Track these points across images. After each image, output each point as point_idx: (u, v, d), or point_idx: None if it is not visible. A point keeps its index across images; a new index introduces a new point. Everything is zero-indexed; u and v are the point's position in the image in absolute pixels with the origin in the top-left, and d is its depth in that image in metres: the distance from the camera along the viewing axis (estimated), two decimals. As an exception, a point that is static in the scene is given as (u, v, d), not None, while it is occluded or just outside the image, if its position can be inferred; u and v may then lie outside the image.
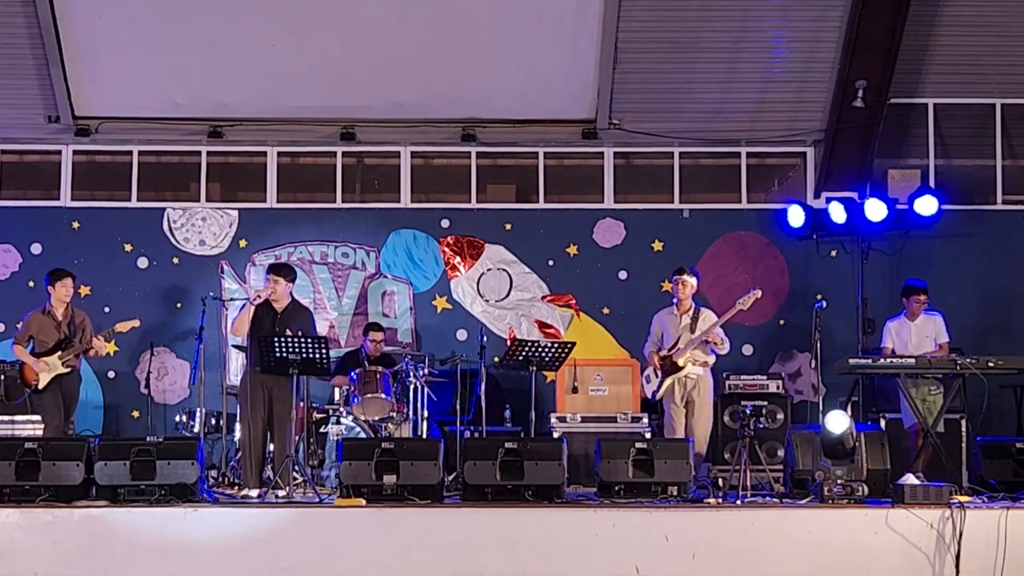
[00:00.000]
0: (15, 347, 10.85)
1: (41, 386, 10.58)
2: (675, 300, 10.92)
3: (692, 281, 10.82)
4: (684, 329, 10.65)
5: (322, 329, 12.83)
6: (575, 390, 11.46)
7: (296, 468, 9.87)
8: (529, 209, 13.33)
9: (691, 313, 10.74)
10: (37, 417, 10.29)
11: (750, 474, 9.40)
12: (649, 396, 10.85)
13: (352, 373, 11.12)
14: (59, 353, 10.65)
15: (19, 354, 10.77)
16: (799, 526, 8.53)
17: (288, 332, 9.93)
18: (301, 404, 10.38)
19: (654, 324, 11.00)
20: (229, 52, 12.58)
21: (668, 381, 10.60)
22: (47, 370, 10.57)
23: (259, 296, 10.18)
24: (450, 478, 9.68)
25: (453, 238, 13.24)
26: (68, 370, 10.70)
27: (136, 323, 11.16)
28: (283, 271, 10.46)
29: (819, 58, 12.70)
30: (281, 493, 9.54)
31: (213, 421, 11.44)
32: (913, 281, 11.23)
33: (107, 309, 12.66)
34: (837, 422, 8.96)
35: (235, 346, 12.51)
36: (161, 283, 12.99)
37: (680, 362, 10.54)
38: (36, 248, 13.00)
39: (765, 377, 11.98)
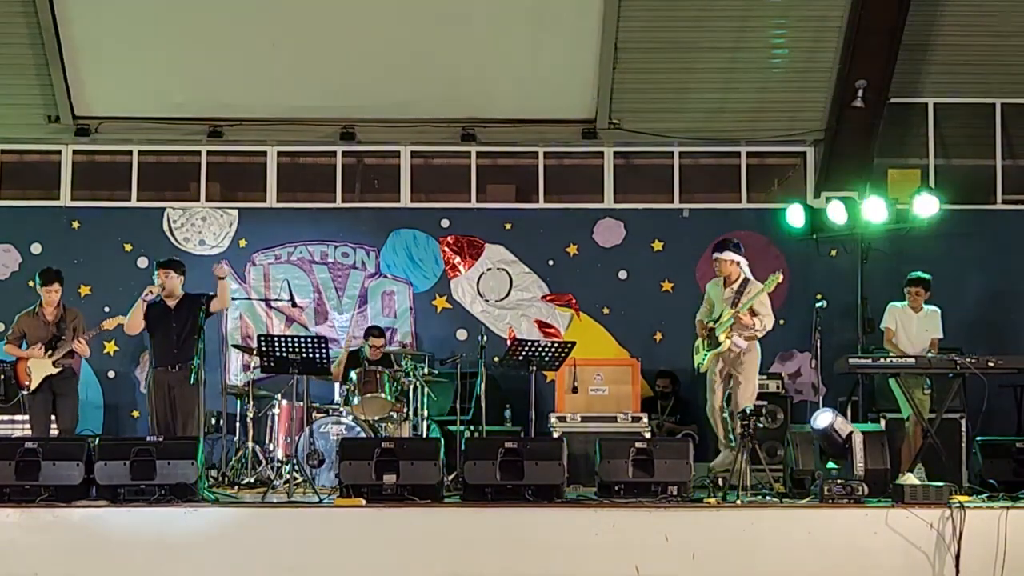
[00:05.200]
0: (7, 347, 10.73)
1: (33, 387, 10.47)
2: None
3: (727, 257, 10.29)
4: (727, 302, 10.22)
5: (322, 330, 12.88)
6: (575, 390, 11.46)
7: (296, 468, 9.87)
8: (529, 209, 13.33)
9: (736, 286, 10.26)
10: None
11: (750, 474, 9.40)
12: (695, 366, 10.52)
13: (352, 373, 11.14)
14: (48, 352, 10.55)
15: (12, 352, 10.66)
16: (799, 526, 8.53)
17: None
18: (300, 404, 10.40)
19: (706, 291, 10.62)
20: (229, 52, 12.59)
21: (711, 355, 10.26)
22: (39, 363, 10.45)
23: (151, 293, 10.22)
24: (450, 478, 9.67)
25: (453, 238, 13.25)
26: (59, 369, 10.54)
27: (122, 319, 10.95)
28: (172, 265, 10.50)
29: (819, 58, 12.71)
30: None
31: (213, 421, 11.44)
32: (918, 273, 11.12)
33: (107, 309, 12.62)
34: (821, 418, 9.04)
35: (235, 346, 12.53)
36: (161, 283, 12.98)
37: (720, 338, 10.14)
38: (36, 248, 13.01)
39: (765, 377, 11.97)
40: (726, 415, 10.27)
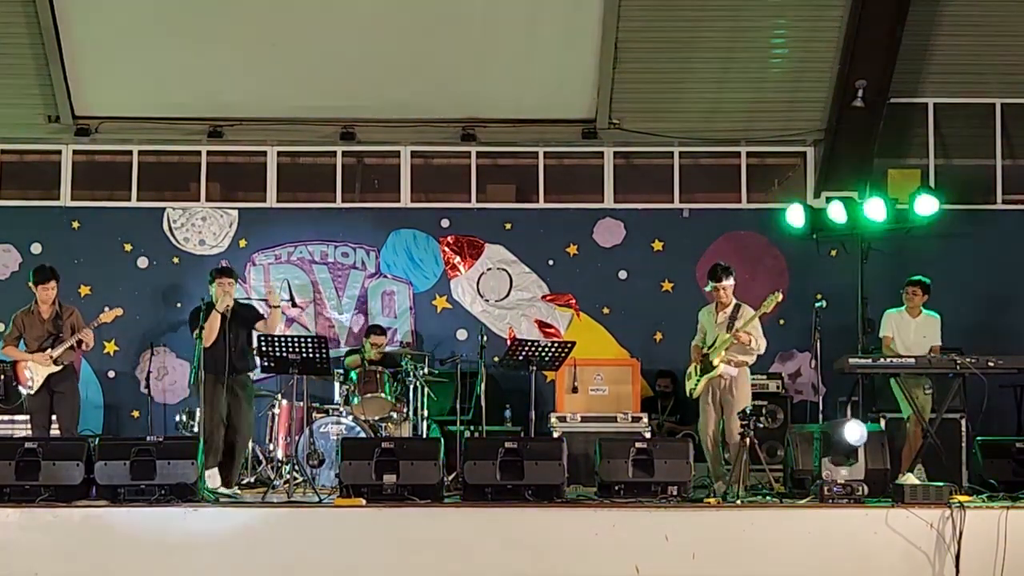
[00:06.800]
0: (6, 349, 10.65)
1: (35, 389, 10.37)
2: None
3: (729, 284, 10.35)
4: (721, 327, 10.27)
5: (321, 329, 12.88)
6: (575, 390, 11.46)
7: (296, 468, 9.88)
8: (529, 209, 13.33)
9: (729, 311, 10.33)
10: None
11: (750, 474, 9.40)
12: (687, 392, 10.54)
13: (352, 372, 11.15)
14: (48, 351, 10.49)
15: (12, 355, 10.60)
16: (799, 526, 8.53)
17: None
18: (300, 404, 10.40)
19: (699, 319, 10.63)
20: (229, 52, 12.58)
21: (703, 380, 10.26)
22: (41, 363, 10.39)
23: (228, 307, 10.18)
24: (450, 478, 9.68)
25: (453, 238, 13.25)
26: (59, 368, 10.44)
27: (119, 312, 10.83)
28: (232, 273, 10.49)
29: (819, 57, 12.71)
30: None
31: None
32: (918, 277, 11.11)
33: (107, 308, 12.62)
34: (855, 433, 8.96)
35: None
36: (161, 283, 12.99)
37: (715, 362, 10.16)
38: (36, 248, 13.00)
39: (765, 377, 11.98)
40: (720, 448, 10.24)
